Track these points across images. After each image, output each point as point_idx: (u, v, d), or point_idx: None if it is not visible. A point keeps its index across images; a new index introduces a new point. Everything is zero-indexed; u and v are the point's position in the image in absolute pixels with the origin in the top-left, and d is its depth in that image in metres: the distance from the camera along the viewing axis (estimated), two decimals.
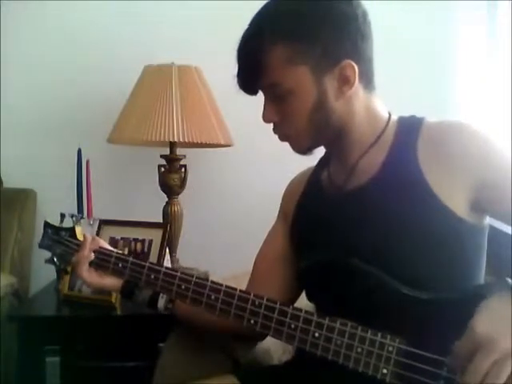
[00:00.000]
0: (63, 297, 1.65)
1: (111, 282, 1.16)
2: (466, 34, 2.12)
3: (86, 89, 2.08)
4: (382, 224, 0.95)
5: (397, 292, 0.90)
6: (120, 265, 1.12)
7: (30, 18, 2.06)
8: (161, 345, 1.30)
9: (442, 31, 2.12)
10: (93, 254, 1.15)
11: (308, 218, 1.09)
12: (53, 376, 1.49)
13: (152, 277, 1.07)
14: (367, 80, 1.01)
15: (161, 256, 1.64)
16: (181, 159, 1.92)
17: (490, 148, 0.94)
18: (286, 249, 1.14)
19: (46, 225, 1.27)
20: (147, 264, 1.09)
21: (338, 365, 0.90)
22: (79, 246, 1.18)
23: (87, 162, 1.81)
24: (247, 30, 0.99)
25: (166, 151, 1.91)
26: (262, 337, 1.15)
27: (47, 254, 1.24)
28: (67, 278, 1.64)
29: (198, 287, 1.02)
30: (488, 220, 0.99)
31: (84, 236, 1.19)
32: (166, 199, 1.92)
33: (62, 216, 1.26)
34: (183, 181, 1.92)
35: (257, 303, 0.97)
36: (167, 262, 1.72)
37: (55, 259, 1.22)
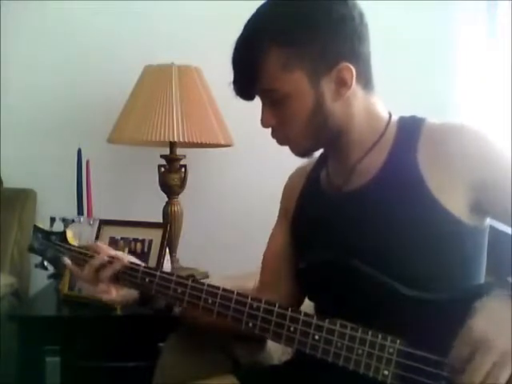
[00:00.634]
0: (63, 297, 1.65)
1: (129, 293, 1.12)
2: (466, 34, 2.12)
3: (86, 89, 2.08)
4: (382, 225, 0.95)
5: (396, 292, 0.90)
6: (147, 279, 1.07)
7: (30, 18, 2.06)
8: (161, 345, 1.30)
9: (442, 31, 2.13)
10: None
11: (307, 217, 1.09)
12: (53, 376, 1.49)
13: (147, 280, 1.06)
14: (366, 80, 1.00)
15: (161, 256, 1.63)
16: (181, 159, 1.92)
17: (490, 148, 0.94)
18: (288, 247, 1.14)
19: (36, 229, 1.24)
20: (141, 268, 1.08)
21: (338, 365, 0.89)
22: (92, 258, 1.10)
23: (87, 162, 1.81)
24: (241, 36, 0.98)
25: (166, 151, 1.91)
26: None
27: None
28: (67, 277, 1.64)
29: (195, 291, 1.01)
30: (488, 221, 0.99)
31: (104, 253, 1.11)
32: (166, 199, 1.92)
33: (52, 220, 1.24)
34: (183, 181, 1.92)
35: (255, 306, 0.96)
36: (167, 262, 1.72)
37: (45, 264, 1.20)
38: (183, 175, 1.91)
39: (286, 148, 1.04)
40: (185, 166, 1.92)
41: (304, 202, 1.12)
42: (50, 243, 1.20)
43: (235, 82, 1.00)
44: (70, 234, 1.20)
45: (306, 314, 0.93)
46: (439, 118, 1.00)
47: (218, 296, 0.99)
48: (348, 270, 0.93)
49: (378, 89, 1.03)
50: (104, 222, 1.71)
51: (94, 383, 1.51)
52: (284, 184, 1.20)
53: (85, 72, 2.07)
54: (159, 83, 1.83)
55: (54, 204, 1.98)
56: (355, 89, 0.98)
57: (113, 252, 1.13)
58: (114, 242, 1.67)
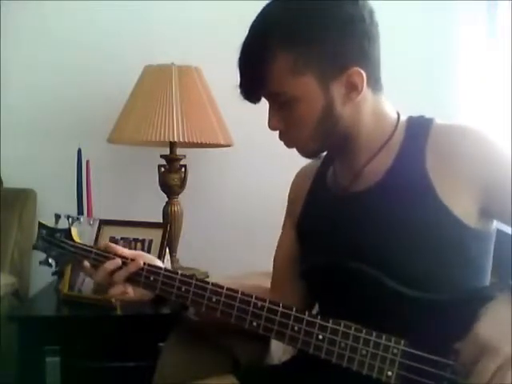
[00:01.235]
0: (63, 297, 1.65)
1: (144, 291, 1.10)
2: (466, 34, 2.12)
3: (86, 89, 2.08)
4: (386, 228, 0.94)
5: (400, 294, 0.90)
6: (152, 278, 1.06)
7: (30, 18, 2.06)
8: (161, 345, 1.30)
9: (442, 31, 2.13)
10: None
11: (314, 217, 1.09)
12: (53, 376, 1.49)
13: (152, 278, 1.06)
14: (375, 81, 0.98)
15: (161, 256, 1.63)
16: (181, 159, 1.92)
17: (497, 153, 0.93)
18: (296, 247, 1.13)
19: (41, 226, 1.23)
20: (145, 267, 1.07)
21: (338, 366, 0.89)
22: (107, 258, 1.09)
23: (87, 162, 1.81)
24: (247, 39, 0.95)
25: (166, 151, 1.91)
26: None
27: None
28: (67, 277, 1.64)
29: (199, 289, 1.01)
30: (495, 225, 0.98)
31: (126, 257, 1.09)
32: (166, 199, 1.92)
33: (57, 217, 1.23)
34: (183, 181, 1.92)
35: (259, 305, 0.96)
36: (167, 262, 1.72)
37: (50, 261, 1.19)
38: (183, 175, 1.91)
39: (286, 148, 1.04)
40: (185, 165, 1.92)
41: (311, 203, 1.11)
42: (55, 240, 1.19)
43: (242, 86, 0.97)
44: (74, 232, 1.19)
45: (310, 314, 0.93)
46: (439, 117, 1.00)
47: (223, 295, 0.99)
48: (351, 272, 0.93)
49: None
50: (104, 222, 1.71)
51: (93, 383, 1.51)
52: (284, 184, 1.19)
53: (85, 72, 2.07)
54: (159, 83, 1.82)
55: (54, 204, 1.98)
56: (365, 92, 0.96)
57: (127, 252, 1.10)
58: (113, 242, 1.66)
